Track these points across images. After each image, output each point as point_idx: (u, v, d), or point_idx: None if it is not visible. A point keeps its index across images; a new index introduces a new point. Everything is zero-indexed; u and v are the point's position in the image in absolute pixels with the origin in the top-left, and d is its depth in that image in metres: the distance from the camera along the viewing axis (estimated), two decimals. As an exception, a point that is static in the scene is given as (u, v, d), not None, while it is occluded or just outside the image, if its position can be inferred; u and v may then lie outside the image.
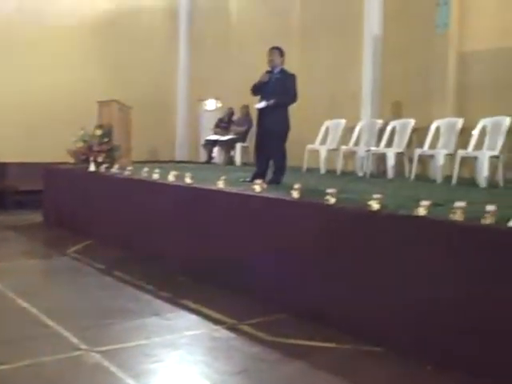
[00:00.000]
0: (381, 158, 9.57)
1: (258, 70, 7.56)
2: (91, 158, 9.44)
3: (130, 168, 8.65)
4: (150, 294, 5.88)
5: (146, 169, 8.16)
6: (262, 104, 7.21)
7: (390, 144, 9.26)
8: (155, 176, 7.73)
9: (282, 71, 7.26)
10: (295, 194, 5.50)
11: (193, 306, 5.43)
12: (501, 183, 7.64)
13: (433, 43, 9.21)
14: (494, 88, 8.54)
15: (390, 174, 8.80)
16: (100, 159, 9.44)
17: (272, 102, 7.09)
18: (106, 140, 9.65)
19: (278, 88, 7.08)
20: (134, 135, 10.82)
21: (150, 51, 14.51)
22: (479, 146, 8.05)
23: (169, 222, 7.03)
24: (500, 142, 7.78)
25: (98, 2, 14.10)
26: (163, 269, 6.74)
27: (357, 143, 9.85)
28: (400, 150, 9.00)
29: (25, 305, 5.38)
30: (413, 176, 8.54)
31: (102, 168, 9.23)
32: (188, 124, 15.32)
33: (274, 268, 5.39)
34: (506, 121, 7.82)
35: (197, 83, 14.84)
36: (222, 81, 13.70)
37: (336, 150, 10.04)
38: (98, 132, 9.70)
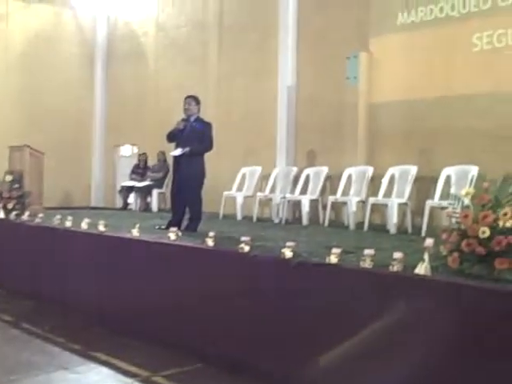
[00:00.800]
0: (296, 205, 9.75)
1: (175, 116, 7.62)
2: (0, 205, 9.12)
3: (41, 215, 8.40)
4: (59, 346, 5.65)
5: (58, 216, 7.94)
6: (178, 151, 7.24)
7: (304, 191, 9.47)
8: (68, 223, 7.54)
9: (198, 119, 7.34)
10: (210, 242, 5.50)
11: (105, 358, 5.25)
12: (409, 229, 7.94)
13: (344, 94, 9.58)
14: (402, 138, 8.95)
15: (305, 220, 8.96)
16: (10, 206, 9.12)
17: (187, 150, 7.14)
18: (16, 186, 9.36)
19: (194, 136, 7.15)
20: (47, 181, 10.56)
21: (65, 95, 14.34)
22: (389, 193, 8.36)
23: (82, 271, 6.84)
24: (408, 190, 8.12)
25: (12, 45, 13.88)
26: (76, 319, 6.50)
27: (272, 190, 10.01)
28: (314, 197, 9.22)
29: None
30: (326, 222, 8.74)
31: (12, 215, 8.92)
32: (104, 169, 15.10)
33: (189, 317, 5.32)
34: (413, 169, 8.18)
35: (113, 129, 14.73)
36: (139, 127, 13.68)
37: (252, 196, 10.15)
38: (8, 178, 9.41)
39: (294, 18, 10.63)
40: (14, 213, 8.97)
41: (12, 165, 10.08)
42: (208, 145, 7.25)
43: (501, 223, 3.74)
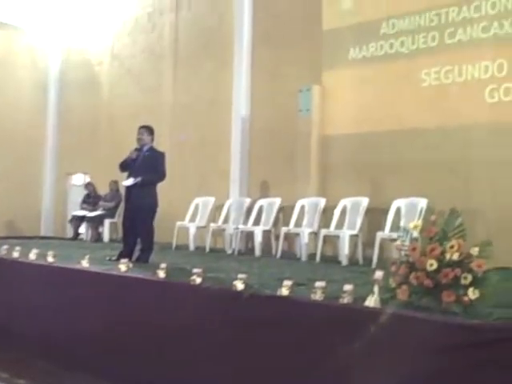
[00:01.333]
0: (249, 236, 9.75)
1: (129, 145, 7.57)
2: None
3: (-13, 245, 8.18)
4: (3, 381, 5.47)
5: (5, 246, 7.75)
6: (130, 182, 7.19)
7: (257, 222, 9.48)
8: (15, 254, 7.37)
9: (151, 149, 7.32)
10: (161, 274, 5.45)
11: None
12: (360, 261, 8.02)
13: (297, 126, 9.69)
14: (354, 170, 9.09)
15: (258, 251, 8.96)
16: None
17: (139, 179, 7.09)
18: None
19: (146, 166, 7.12)
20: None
21: (17, 121, 14.09)
22: (340, 224, 8.45)
23: (29, 303, 6.66)
24: (359, 222, 8.22)
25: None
26: (21, 353, 6.30)
27: (226, 221, 9.99)
28: (267, 228, 9.24)
29: None
30: (279, 254, 8.76)
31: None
32: (55, 198, 14.83)
33: (138, 350, 5.23)
34: (364, 201, 8.30)
35: (65, 156, 14.52)
36: (92, 155, 13.53)
37: (205, 227, 10.12)
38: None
39: (248, 49, 10.78)
40: (-42, 242, 8.70)
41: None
42: (160, 175, 7.22)
43: (448, 256, 3.81)
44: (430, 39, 8.53)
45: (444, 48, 8.37)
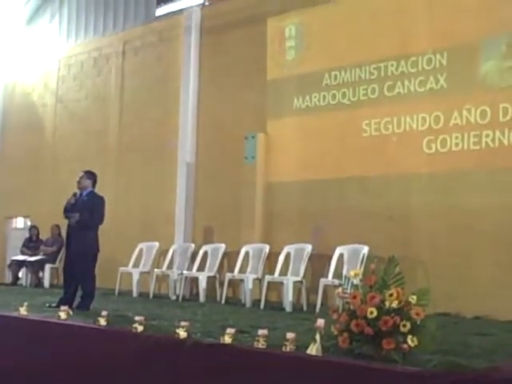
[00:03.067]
0: (193, 281, 9.69)
1: (72, 189, 7.50)
2: None
3: None
4: None
5: None
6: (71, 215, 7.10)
7: (202, 268, 9.44)
8: None
9: (91, 193, 7.30)
10: (102, 322, 5.35)
11: None
12: (304, 307, 8.06)
13: (242, 173, 9.81)
14: (297, 216, 9.22)
15: (202, 297, 8.90)
16: None
17: (76, 216, 7.01)
18: None
19: (84, 210, 7.08)
20: None
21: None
22: (284, 271, 8.50)
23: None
24: (303, 268, 8.30)
25: None
26: None
27: (170, 266, 9.91)
28: (212, 274, 9.21)
29: None
30: (223, 299, 8.71)
31: None
32: (-8, 242, 14.42)
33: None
34: (308, 248, 8.40)
35: (5, 199, 14.15)
36: (33, 198, 13.26)
37: (149, 272, 10.00)
38: None
39: (194, 96, 10.92)
40: None
41: None
42: (98, 218, 7.16)
43: (387, 304, 3.89)
44: (371, 91, 8.82)
45: (384, 100, 8.68)
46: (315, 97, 9.37)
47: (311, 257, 8.43)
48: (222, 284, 9.05)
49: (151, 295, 9.52)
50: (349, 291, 4.23)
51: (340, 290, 4.42)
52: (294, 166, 9.40)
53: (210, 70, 10.86)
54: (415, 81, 8.41)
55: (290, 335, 4.22)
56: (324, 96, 9.32)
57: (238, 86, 10.32)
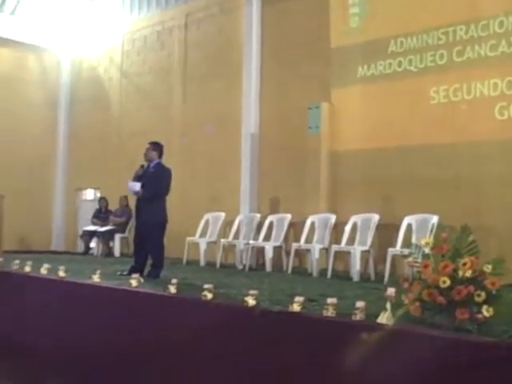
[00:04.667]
0: (259, 251, 9.73)
1: (139, 161, 7.62)
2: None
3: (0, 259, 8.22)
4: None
5: (17, 260, 7.77)
6: (129, 184, 7.25)
7: (268, 238, 9.47)
8: (27, 268, 7.38)
9: (158, 165, 7.35)
10: (172, 289, 5.43)
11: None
12: (372, 277, 7.97)
13: (306, 143, 9.71)
14: (364, 186, 9.08)
15: (268, 267, 8.93)
16: (-33, 250, 8.91)
17: (140, 192, 7.12)
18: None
19: (151, 181, 7.16)
20: (6, 224, 10.37)
21: (28, 139, 14.21)
22: (351, 240, 8.42)
23: (40, 318, 6.67)
24: (370, 238, 8.19)
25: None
26: (34, 370, 6.29)
27: (236, 236, 9.98)
28: (278, 244, 9.22)
29: None
30: (290, 269, 8.72)
31: (-31, 260, 8.68)
32: (66, 213, 14.88)
33: (149, 366, 5.20)
34: (375, 217, 8.28)
35: (75, 172, 14.59)
36: (102, 170, 13.59)
37: (215, 242, 10.11)
38: (-34, 221, 9.21)
39: (257, 67, 10.84)
40: (-30, 257, 8.75)
41: (-30, 207, 9.87)
42: (163, 190, 7.23)
43: (460, 273, 3.78)
44: (439, 57, 8.54)
45: (452, 66, 8.38)
46: (380, 64, 9.15)
47: (378, 226, 8.30)
48: (288, 254, 9.06)
49: (218, 265, 9.63)
50: (419, 260, 4.13)
51: (410, 259, 4.33)
52: (359, 134, 9.24)
53: (272, 40, 10.75)
54: (486, 45, 8.07)
55: (359, 304, 4.17)
56: (390, 63, 9.08)
57: (301, 55, 10.18)
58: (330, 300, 4.33)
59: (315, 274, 8.26)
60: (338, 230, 8.92)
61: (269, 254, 9.02)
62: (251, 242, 9.45)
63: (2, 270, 7.81)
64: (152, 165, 7.33)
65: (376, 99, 9.12)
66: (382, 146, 8.93)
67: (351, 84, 9.45)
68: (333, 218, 8.85)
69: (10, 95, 14.13)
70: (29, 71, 14.72)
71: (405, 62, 8.91)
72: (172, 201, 7.44)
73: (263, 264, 9.31)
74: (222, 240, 10.01)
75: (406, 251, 6.31)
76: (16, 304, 7.09)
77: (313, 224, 9.03)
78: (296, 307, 4.47)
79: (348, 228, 8.54)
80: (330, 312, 4.27)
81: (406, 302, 4.02)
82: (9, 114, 13.99)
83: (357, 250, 7.98)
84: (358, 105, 9.34)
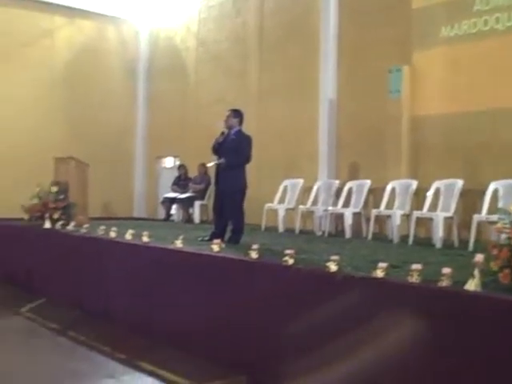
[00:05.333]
0: (339, 218, 9.68)
1: (217, 129, 7.65)
2: (46, 215, 9.28)
3: (86, 225, 8.52)
4: (105, 355, 5.72)
5: (102, 227, 8.05)
6: (212, 163, 7.31)
7: (347, 204, 9.38)
8: (112, 234, 7.63)
9: (238, 133, 7.35)
10: (254, 255, 5.48)
11: (150, 367, 5.29)
12: (456, 243, 7.78)
13: (386, 107, 9.50)
14: (446, 151, 8.81)
15: (348, 233, 8.88)
16: (55, 216, 9.28)
17: (222, 161, 7.19)
18: (61, 197, 9.51)
19: (231, 149, 7.19)
20: (91, 192, 10.72)
21: (108, 108, 14.61)
22: (434, 207, 8.23)
23: (126, 282, 6.90)
24: (453, 204, 7.96)
25: (57, 60, 14.20)
26: (120, 329, 6.56)
27: (315, 203, 9.94)
28: (357, 210, 9.13)
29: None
30: (370, 236, 8.64)
31: (58, 225, 9.07)
32: (146, 181, 15.29)
33: (232, 330, 5.31)
34: (459, 183, 8.03)
35: (155, 141, 14.91)
36: (181, 139, 13.82)
37: (294, 209, 10.11)
38: (54, 189, 9.56)
39: (334, 32, 10.62)
40: (59, 223, 9.12)
41: (57, 176, 10.23)
42: (244, 157, 7.23)
43: (553, 239, 3.63)
44: (528, 14, 8.12)
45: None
46: (465, 24, 8.77)
47: (462, 192, 8.05)
48: (367, 220, 8.96)
49: (297, 231, 9.65)
50: (508, 226, 4.00)
51: (499, 224, 4.19)
52: (442, 98, 8.94)
53: (350, 3, 10.49)
54: None
55: (445, 270, 4.08)
56: (475, 23, 8.69)
57: (381, 17, 9.89)
58: (414, 266, 4.26)
59: (396, 240, 8.13)
60: (419, 196, 8.72)
61: (348, 220, 8.95)
62: (330, 208, 9.39)
63: (90, 235, 8.10)
64: (232, 132, 7.35)
65: (460, 61, 8.76)
66: (466, 110, 8.61)
67: (433, 45, 9.12)
68: (414, 183, 8.65)
69: (91, 65, 14.54)
70: (108, 42, 15.06)
71: (491, 20, 8.51)
72: (250, 167, 7.45)
73: (342, 230, 9.26)
74: (301, 206, 10.00)
75: (493, 217, 6.12)
76: (103, 269, 7.36)
77: (393, 190, 8.87)
78: (379, 273, 4.42)
79: (430, 194, 8.33)
80: (414, 278, 4.21)
81: (495, 268, 3.91)
82: (90, 83, 14.42)
83: (440, 216, 7.78)
84: (440, 67, 9.01)
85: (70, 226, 8.86)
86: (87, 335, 6.34)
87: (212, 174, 8.78)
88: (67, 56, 14.36)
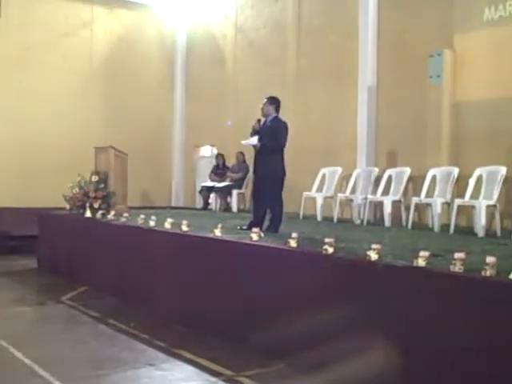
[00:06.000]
0: (378, 206, 9.58)
1: (254, 117, 7.62)
2: (87, 204, 9.42)
3: (126, 215, 8.62)
4: (144, 343, 5.79)
5: (142, 216, 8.12)
6: (246, 141, 7.32)
7: (386, 192, 9.27)
8: (151, 223, 7.70)
9: (275, 119, 7.29)
10: (293, 243, 5.47)
11: (189, 356, 5.33)
12: (498, 232, 7.61)
13: (426, 93, 9.32)
14: (488, 137, 8.61)
15: (387, 221, 8.78)
16: (96, 205, 9.41)
17: (258, 143, 7.16)
18: (101, 186, 9.64)
19: (267, 135, 7.15)
20: (130, 181, 10.83)
21: (146, 98, 14.73)
22: (475, 194, 8.06)
23: (166, 271, 6.97)
24: (496, 192, 7.77)
25: (96, 50, 14.36)
26: (159, 317, 6.65)
27: (353, 191, 9.86)
28: (397, 198, 9.01)
29: (17, 354, 5.29)
30: (410, 224, 8.52)
31: (98, 214, 9.19)
32: (184, 170, 15.39)
33: (272, 318, 5.31)
34: (502, 170, 7.85)
35: (193, 130, 14.99)
36: (218, 127, 13.85)
37: (332, 197, 10.05)
38: (95, 178, 9.70)
39: (373, 17, 10.46)
40: (99, 212, 9.24)
41: (97, 165, 10.36)
42: (278, 143, 7.15)
43: None
44: None
45: None
46: (510, 5, 8.52)
47: (505, 180, 7.86)
48: (407, 208, 8.83)
49: (335, 219, 9.59)
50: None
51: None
52: (485, 83, 8.71)
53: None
54: None
55: (490, 259, 4.00)
56: (520, 4, 8.46)
57: (421, 0, 9.71)
58: (457, 255, 4.19)
59: (436, 229, 8.00)
60: (460, 183, 8.55)
61: (387, 208, 8.85)
62: (369, 196, 9.30)
63: (130, 224, 8.18)
64: (269, 119, 7.32)
65: (504, 44, 8.50)
66: (509, 95, 8.38)
67: (476, 28, 8.89)
68: (455, 170, 8.48)
69: (130, 55, 14.69)
70: (147, 31, 15.16)
71: (538, 0, 8.27)
72: (288, 155, 7.39)
73: (381, 219, 9.17)
74: (339, 195, 9.93)
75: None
76: (143, 257, 7.44)
77: (434, 178, 8.71)
78: (421, 262, 4.36)
79: (472, 181, 8.16)
80: (457, 267, 4.14)
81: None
82: (128, 73, 14.57)
83: (482, 204, 7.62)
84: (483, 50, 8.79)
85: (111, 215, 8.97)
86: (127, 323, 6.42)
87: (249, 160, 8.76)
88: (106, 46, 14.53)
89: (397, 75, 10.04)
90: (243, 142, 7.50)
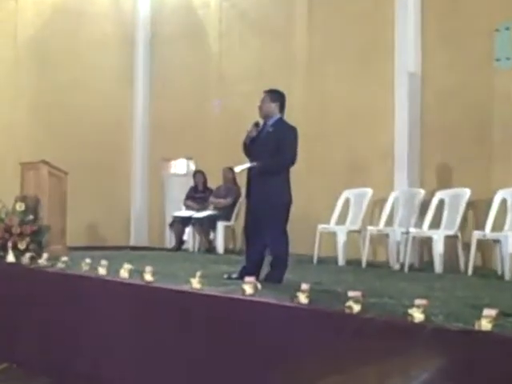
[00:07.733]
0: (424, 244, 9.63)
1: (248, 118, 7.67)
2: (9, 244, 9.41)
3: (64, 258, 8.62)
4: None
5: (87, 260, 8.13)
6: (241, 167, 7.37)
7: (436, 224, 9.35)
8: (101, 270, 7.70)
9: (278, 122, 7.34)
10: (303, 299, 5.49)
11: None
12: None
13: (492, 82, 9.49)
14: None
15: (438, 266, 8.85)
16: (22, 246, 9.40)
17: (255, 164, 7.19)
18: (30, 218, 9.65)
19: (270, 146, 7.18)
20: (71, 210, 10.85)
21: (95, 94, 14.80)
22: None
23: (123, 337, 6.97)
24: None
25: (23, 28, 14.46)
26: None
27: (389, 222, 9.92)
28: (451, 233, 9.08)
29: None
30: (470, 269, 8.58)
31: (26, 258, 9.18)
32: (148, 194, 15.44)
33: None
34: None
35: (160, 137, 15.02)
36: (197, 134, 13.89)
37: (360, 231, 10.12)
38: (20, 206, 9.70)
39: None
40: (27, 255, 9.23)
41: (25, 188, 10.40)
42: (288, 157, 7.20)
43: None
44: None
45: None
46: None
47: None
48: (466, 247, 8.89)
49: (364, 263, 9.66)
50: None
51: None
52: None
53: None
54: None
55: None
56: None
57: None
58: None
59: (508, 276, 8.07)
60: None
61: (438, 247, 8.91)
62: (412, 229, 9.36)
63: (69, 272, 8.19)
64: (270, 122, 7.35)
65: None
66: None
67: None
68: (536, 193, 8.61)
69: (70, 35, 14.73)
70: (95, 1, 15.20)
71: None
72: (295, 173, 7.46)
73: (430, 262, 9.22)
74: (370, 227, 10.00)
75: None
76: (90, 320, 7.44)
77: (504, 202, 8.81)
78: (485, 324, 4.39)
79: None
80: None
81: None
82: (68, 60, 14.65)
83: None
84: None
85: (42, 260, 8.96)
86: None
87: (242, 182, 8.80)
88: (37, 22, 14.59)
89: (450, 58, 10.21)
90: (236, 168, 7.53)
